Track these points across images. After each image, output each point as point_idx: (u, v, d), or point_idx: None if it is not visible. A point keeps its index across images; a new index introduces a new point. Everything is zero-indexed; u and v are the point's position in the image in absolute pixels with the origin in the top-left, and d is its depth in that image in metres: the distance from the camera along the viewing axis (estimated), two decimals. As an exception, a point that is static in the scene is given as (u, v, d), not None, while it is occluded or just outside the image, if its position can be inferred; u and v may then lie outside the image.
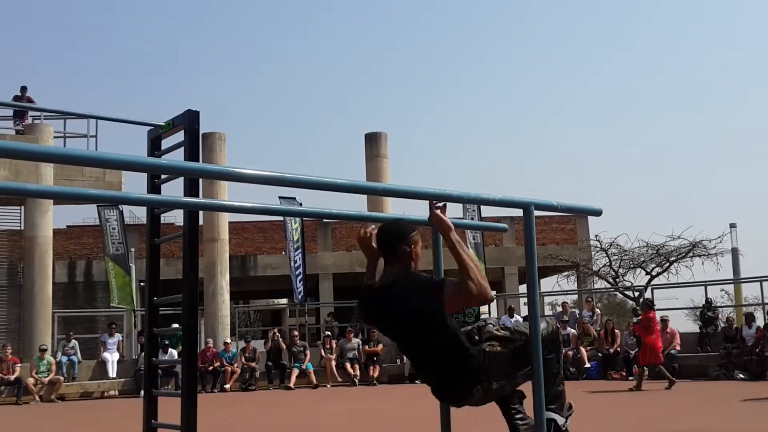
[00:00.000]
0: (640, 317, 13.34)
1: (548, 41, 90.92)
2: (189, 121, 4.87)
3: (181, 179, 4.85)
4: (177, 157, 4.92)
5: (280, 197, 16.60)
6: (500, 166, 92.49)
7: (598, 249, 21.83)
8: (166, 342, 16.06)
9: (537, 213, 3.48)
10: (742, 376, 13.95)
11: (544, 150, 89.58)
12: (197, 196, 4.65)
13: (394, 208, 18.28)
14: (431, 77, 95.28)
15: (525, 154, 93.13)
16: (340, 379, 16.98)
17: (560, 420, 3.74)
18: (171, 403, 4.95)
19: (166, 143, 5.24)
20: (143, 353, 10.72)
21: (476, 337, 3.49)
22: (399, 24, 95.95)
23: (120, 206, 18.82)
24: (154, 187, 5.05)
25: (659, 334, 13.77)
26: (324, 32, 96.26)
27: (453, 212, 3.58)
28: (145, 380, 5.17)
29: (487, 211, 23.78)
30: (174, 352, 15.87)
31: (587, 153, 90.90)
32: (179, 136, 5.03)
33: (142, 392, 5.44)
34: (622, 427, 7.98)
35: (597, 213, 3.52)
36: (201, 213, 19.21)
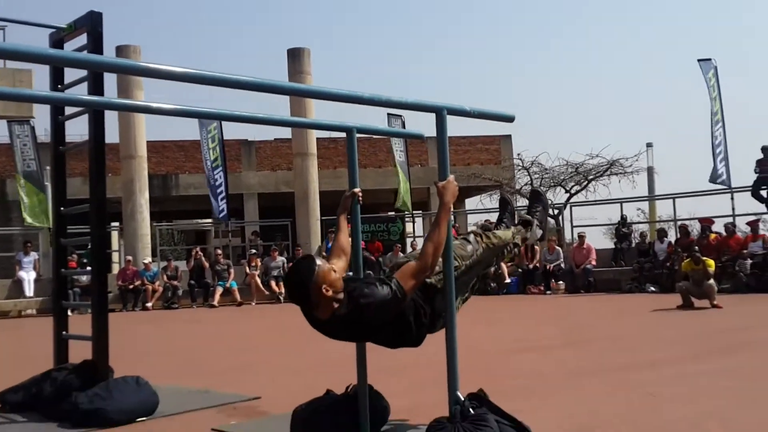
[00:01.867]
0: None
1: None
2: (92, 23, 4.64)
3: (85, 86, 4.66)
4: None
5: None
6: (425, 84, 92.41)
7: (520, 168, 22.19)
8: (85, 260, 15.74)
9: (462, 134, 3.44)
10: (653, 288, 14.52)
11: (469, 68, 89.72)
12: (102, 95, 4.45)
13: (318, 113, 18.12)
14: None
15: (454, 72, 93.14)
16: (266, 293, 17.01)
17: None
18: (87, 320, 4.91)
19: (69, 47, 4.99)
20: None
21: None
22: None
23: (32, 122, 18.13)
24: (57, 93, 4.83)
25: None
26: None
27: (377, 121, 3.50)
28: (54, 291, 5.07)
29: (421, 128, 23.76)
30: (92, 270, 15.55)
31: (512, 70, 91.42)
32: (83, 40, 4.79)
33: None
34: (548, 337, 8.30)
35: (510, 119, 3.47)
36: (117, 130, 18.82)
